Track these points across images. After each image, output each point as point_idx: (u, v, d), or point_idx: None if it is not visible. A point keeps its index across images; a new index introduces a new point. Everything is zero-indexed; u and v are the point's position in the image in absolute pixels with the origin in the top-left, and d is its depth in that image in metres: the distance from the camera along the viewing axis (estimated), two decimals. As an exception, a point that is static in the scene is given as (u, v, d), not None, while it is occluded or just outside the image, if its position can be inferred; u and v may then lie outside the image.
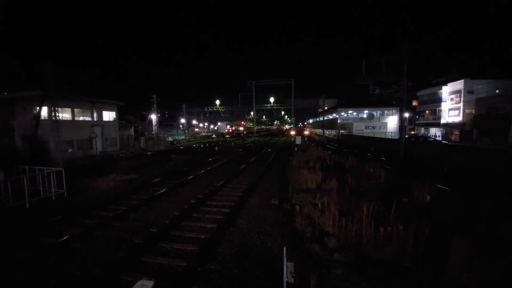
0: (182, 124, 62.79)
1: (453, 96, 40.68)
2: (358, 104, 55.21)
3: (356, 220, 5.69)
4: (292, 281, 3.37)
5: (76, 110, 25.12)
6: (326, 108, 67.73)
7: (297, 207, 7.93)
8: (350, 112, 54.60)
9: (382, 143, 29.89)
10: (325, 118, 57.39)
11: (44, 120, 20.31)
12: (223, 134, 72.21)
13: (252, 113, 61.72)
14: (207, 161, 18.93)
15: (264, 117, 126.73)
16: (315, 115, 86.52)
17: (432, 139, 34.68)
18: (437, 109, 44.38)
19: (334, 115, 59.15)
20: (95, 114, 27.42)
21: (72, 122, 24.26)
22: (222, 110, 60.69)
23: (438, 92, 43.73)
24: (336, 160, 16.30)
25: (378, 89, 66.68)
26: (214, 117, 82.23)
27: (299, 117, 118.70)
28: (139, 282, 2.48)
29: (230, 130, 79.96)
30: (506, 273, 3.70)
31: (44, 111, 20.52)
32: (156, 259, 5.07)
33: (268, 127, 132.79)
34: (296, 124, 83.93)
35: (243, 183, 11.61)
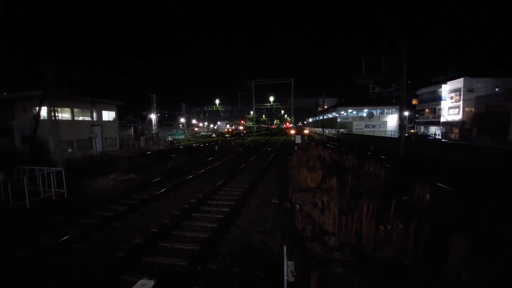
0: (182, 124, 62.70)
1: (453, 94, 40.66)
2: (358, 103, 55.16)
3: (356, 219, 5.69)
4: (293, 280, 3.38)
5: (75, 110, 25.10)
6: (326, 107, 67.76)
7: (297, 206, 7.93)
8: (350, 111, 54.58)
9: (382, 142, 29.91)
10: (325, 117, 57.38)
11: (44, 120, 20.27)
12: (223, 134, 72.21)
13: (252, 112, 61.68)
14: (207, 160, 18.93)
15: (264, 116, 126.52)
16: (315, 114, 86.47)
17: (432, 137, 34.75)
18: (436, 107, 44.37)
19: (334, 114, 59.13)
20: (94, 114, 27.39)
21: (71, 122, 24.24)
22: (222, 109, 60.61)
23: (438, 91, 43.72)
24: (336, 159, 16.32)
25: (378, 88, 66.64)
26: (213, 117, 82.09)
27: (299, 116, 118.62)
28: (140, 282, 2.49)
29: (230, 130, 79.99)
30: (506, 271, 3.71)
31: (44, 111, 20.47)
32: (156, 258, 5.08)
33: (268, 126, 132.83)
34: (296, 123, 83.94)
35: (243, 182, 11.61)
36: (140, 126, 45.44)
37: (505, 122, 30.24)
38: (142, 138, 36.90)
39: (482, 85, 36.65)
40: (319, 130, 65.93)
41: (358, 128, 51.01)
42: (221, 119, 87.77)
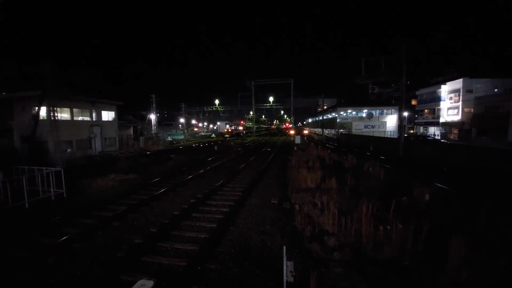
0: (181, 124, 62.65)
1: (452, 95, 40.73)
2: (358, 104, 55.20)
3: (356, 219, 5.70)
4: (292, 280, 3.38)
5: (75, 110, 25.04)
6: (325, 107, 67.76)
7: (297, 206, 7.93)
8: (349, 111, 54.61)
9: (381, 142, 29.92)
10: (325, 117, 57.40)
11: (43, 120, 20.24)
12: (222, 134, 72.15)
13: (251, 112, 61.72)
14: (207, 160, 18.92)
15: (263, 116, 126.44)
16: (314, 114, 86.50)
17: (431, 138, 34.79)
18: (436, 108, 44.42)
19: (334, 114, 59.15)
20: (94, 114, 27.35)
21: (71, 122, 24.18)
22: (222, 109, 60.62)
23: (437, 91, 43.77)
24: (335, 159, 16.34)
25: (377, 88, 66.67)
26: (213, 117, 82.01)
27: (299, 116, 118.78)
28: (139, 282, 2.49)
29: (230, 130, 79.91)
30: (506, 271, 3.71)
31: (43, 111, 20.46)
32: (156, 259, 5.07)
33: (267, 126, 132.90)
34: (295, 123, 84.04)
35: (243, 182, 11.61)
36: (139, 126, 45.39)
37: (504, 122, 30.28)
38: (141, 138, 36.86)
39: (481, 86, 36.71)
40: (318, 130, 65.97)
41: (358, 128, 51.06)
42: (221, 119, 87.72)
